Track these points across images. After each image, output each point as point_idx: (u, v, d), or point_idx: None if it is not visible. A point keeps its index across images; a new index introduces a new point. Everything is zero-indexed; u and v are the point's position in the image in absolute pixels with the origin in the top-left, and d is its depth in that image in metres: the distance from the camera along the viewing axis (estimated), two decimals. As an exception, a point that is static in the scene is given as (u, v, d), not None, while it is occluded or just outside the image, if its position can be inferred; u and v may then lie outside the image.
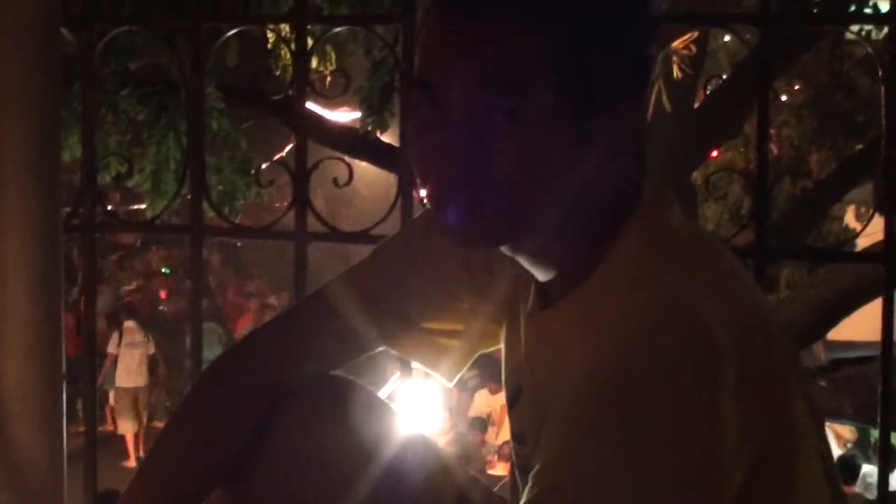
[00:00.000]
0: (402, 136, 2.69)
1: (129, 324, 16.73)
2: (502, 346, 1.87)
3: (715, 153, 11.85)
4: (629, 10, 1.57)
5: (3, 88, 2.51)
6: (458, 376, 2.00)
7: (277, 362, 1.95)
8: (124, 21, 2.73)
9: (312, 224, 2.69)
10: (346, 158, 3.35)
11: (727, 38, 11.09)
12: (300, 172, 2.62)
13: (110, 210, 2.86)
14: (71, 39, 2.67)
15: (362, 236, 2.56)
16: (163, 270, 21.75)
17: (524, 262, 1.67)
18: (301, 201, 2.60)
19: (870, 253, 3.41)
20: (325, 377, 1.96)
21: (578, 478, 1.45)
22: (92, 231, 2.72)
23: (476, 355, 1.96)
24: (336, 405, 1.93)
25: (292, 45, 2.71)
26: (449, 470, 1.98)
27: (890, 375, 2.58)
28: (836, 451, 13.11)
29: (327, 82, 8.03)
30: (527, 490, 1.51)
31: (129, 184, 8.27)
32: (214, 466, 1.92)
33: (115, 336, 16.48)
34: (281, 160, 3.06)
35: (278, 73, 8.19)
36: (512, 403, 1.82)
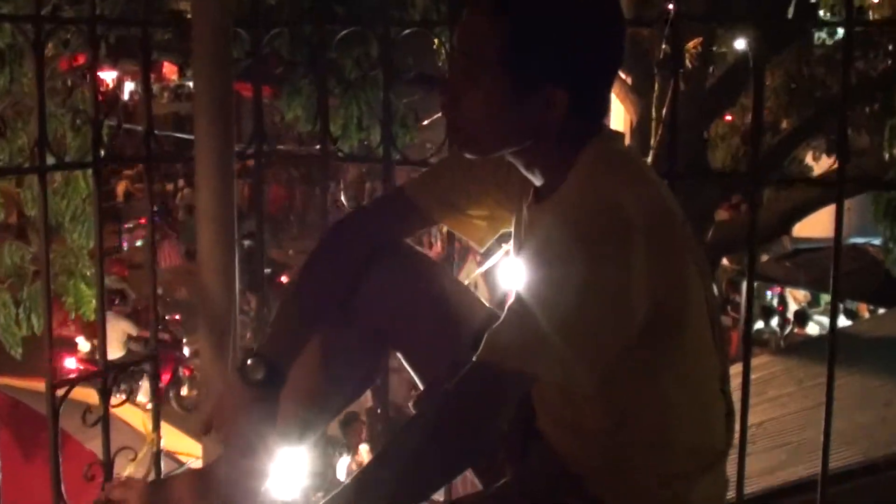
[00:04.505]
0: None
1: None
2: (512, 227, 1.92)
3: (729, 117, 11.88)
4: (566, 24, 1.61)
5: (198, 68, 2.52)
6: (487, 245, 2.06)
7: (377, 227, 2.02)
8: (276, 25, 2.67)
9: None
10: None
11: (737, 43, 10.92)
12: (386, 124, 2.61)
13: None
14: (245, 37, 2.66)
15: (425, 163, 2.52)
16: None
17: (523, 171, 1.76)
18: (387, 144, 2.60)
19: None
20: (401, 242, 2.04)
21: (539, 292, 1.54)
22: (259, 158, 2.73)
23: (498, 232, 2.03)
24: (409, 259, 2.03)
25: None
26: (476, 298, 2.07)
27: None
28: (794, 307, 13.00)
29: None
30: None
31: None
32: (337, 288, 1.98)
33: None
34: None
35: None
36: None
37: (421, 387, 2.07)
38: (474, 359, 1.59)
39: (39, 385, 7.34)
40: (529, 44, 1.60)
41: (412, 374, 2.09)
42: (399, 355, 2.10)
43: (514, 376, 1.57)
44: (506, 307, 1.61)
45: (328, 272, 1.99)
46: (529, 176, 1.75)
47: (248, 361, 1.89)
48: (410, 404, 2.06)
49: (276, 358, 1.89)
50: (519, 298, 1.58)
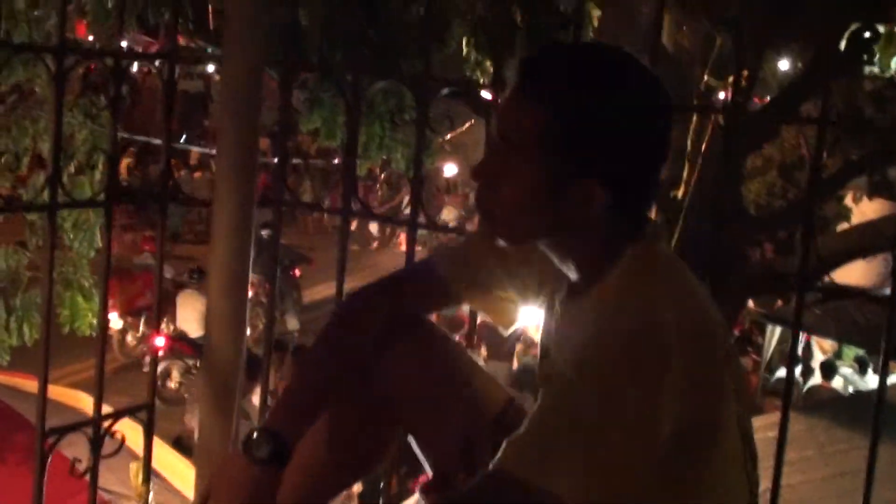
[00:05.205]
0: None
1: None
2: (542, 315, 1.88)
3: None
4: (608, 119, 1.58)
5: (225, 109, 2.51)
6: (513, 327, 2.03)
7: (399, 301, 1.98)
8: (307, 69, 2.64)
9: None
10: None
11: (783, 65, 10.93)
12: (416, 189, 2.58)
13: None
14: (275, 77, 2.63)
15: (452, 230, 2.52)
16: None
17: (558, 263, 1.72)
18: (415, 206, 2.56)
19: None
20: (421, 318, 2.01)
21: (566, 405, 1.52)
22: (280, 205, 2.71)
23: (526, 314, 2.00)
24: (429, 337, 1.99)
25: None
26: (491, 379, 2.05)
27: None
28: (820, 357, 12.94)
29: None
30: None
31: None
32: (352, 363, 1.94)
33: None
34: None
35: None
36: (542, 357, 1.85)
37: (429, 471, 2.05)
38: (491, 466, 1.57)
39: (17, 381, 7.13)
40: (568, 136, 1.56)
41: (421, 457, 2.06)
42: (409, 437, 2.07)
43: (533, 491, 1.54)
44: (530, 414, 1.59)
45: (344, 345, 1.95)
46: (564, 268, 1.71)
47: (254, 435, 1.86)
48: (418, 490, 2.04)
49: (282, 434, 1.84)
50: (544, 407, 1.56)
